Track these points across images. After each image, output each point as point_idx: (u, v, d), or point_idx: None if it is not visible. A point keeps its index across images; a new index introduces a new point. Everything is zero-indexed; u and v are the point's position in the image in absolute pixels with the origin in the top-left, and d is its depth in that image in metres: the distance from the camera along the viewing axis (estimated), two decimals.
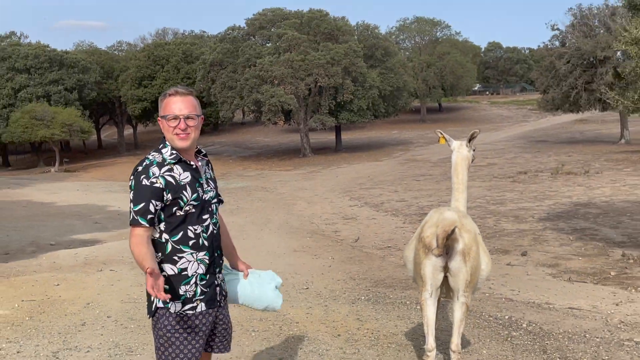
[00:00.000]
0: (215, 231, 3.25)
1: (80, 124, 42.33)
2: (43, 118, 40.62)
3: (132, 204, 3.03)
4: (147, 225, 3.01)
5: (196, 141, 3.21)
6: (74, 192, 25.00)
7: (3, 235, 13.39)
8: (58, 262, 9.88)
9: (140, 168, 3.08)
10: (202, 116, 3.25)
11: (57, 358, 5.21)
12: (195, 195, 3.12)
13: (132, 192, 3.06)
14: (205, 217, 3.18)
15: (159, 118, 3.19)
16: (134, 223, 3.01)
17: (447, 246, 4.11)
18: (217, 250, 3.26)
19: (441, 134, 5.21)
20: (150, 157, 3.12)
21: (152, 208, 3.01)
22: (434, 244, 4.12)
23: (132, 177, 3.09)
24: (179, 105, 3.13)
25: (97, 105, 52.69)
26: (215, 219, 3.28)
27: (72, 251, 11.10)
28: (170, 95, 3.17)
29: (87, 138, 49.16)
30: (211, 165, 3.42)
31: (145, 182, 3.02)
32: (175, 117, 3.11)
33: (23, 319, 6.34)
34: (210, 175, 3.34)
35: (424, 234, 4.26)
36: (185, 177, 3.12)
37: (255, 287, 3.45)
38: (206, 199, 3.20)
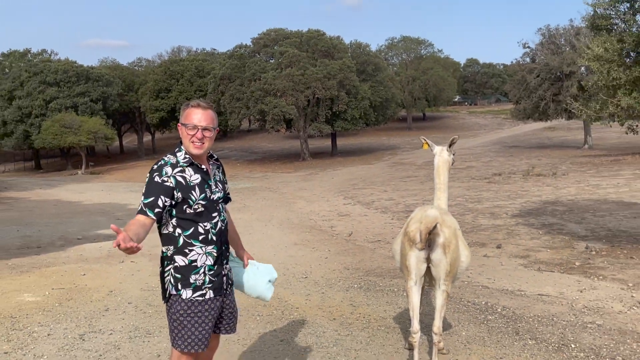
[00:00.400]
0: (223, 227, 3.25)
1: (104, 131, 42.27)
2: (71, 126, 40.56)
3: (142, 197, 3.01)
4: (153, 217, 2.97)
5: (209, 149, 3.22)
6: (99, 192, 24.95)
7: (35, 231, 13.37)
8: (84, 255, 9.87)
9: (155, 167, 3.09)
10: (218, 128, 3.26)
11: (83, 340, 5.21)
12: (203, 195, 3.12)
13: (145, 186, 3.05)
14: (214, 215, 3.18)
15: (179, 124, 3.18)
16: (141, 213, 2.97)
17: (429, 240, 4.12)
18: (224, 244, 3.27)
19: (424, 140, 5.22)
20: (166, 158, 3.14)
21: (160, 203, 2.99)
22: (418, 238, 4.13)
23: (148, 174, 3.09)
24: (199, 117, 3.13)
25: (119, 115, 52.59)
26: (223, 216, 3.28)
27: (96, 245, 11.09)
28: (192, 106, 3.16)
29: (111, 144, 49.10)
30: (222, 169, 3.42)
31: (157, 179, 3.02)
32: (194, 127, 3.11)
33: (53, 305, 6.33)
34: (220, 178, 3.34)
35: (409, 229, 4.27)
36: (196, 178, 3.12)
37: (250, 277, 3.48)
38: (214, 199, 3.20)
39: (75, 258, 9.53)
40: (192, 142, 3.11)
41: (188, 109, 3.16)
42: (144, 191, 3.04)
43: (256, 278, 3.46)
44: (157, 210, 2.98)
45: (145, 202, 2.99)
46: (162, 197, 3.00)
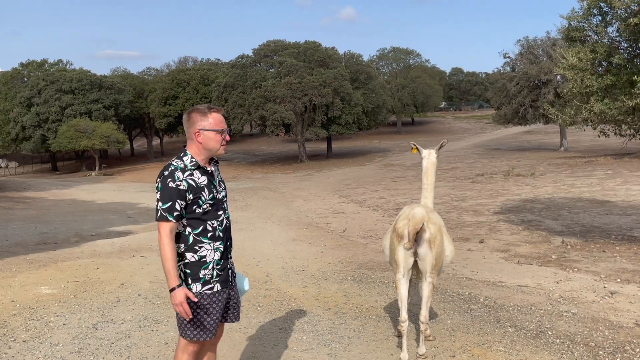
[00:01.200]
0: (227, 224, 3.24)
1: (116, 135, 42.23)
2: (85, 131, 40.51)
3: (160, 203, 2.99)
4: (174, 221, 2.98)
5: None
6: (111, 192, 24.88)
7: (52, 228, 13.32)
8: (97, 250, 9.83)
9: (166, 173, 3.03)
10: None
11: (96, 329, 5.19)
12: (211, 195, 3.10)
13: (159, 192, 3.01)
14: (219, 213, 3.16)
15: (200, 130, 3.07)
16: (162, 219, 2.97)
17: (416, 236, 4.12)
18: (229, 239, 3.25)
19: (414, 145, 5.21)
20: (175, 163, 3.09)
21: (177, 206, 2.98)
22: (406, 234, 4.13)
23: (159, 180, 3.04)
24: (224, 121, 3.14)
25: (130, 120, 52.50)
26: (228, 213, 3.26)
27: (109, 241, 11.05)
28: (216, 111, 3.11)
29: (122, 147, 49.01)
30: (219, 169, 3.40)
31: (171, 184, 3.00)
32: (223, 130, 3.11)
33: (68, 297, 6.31)
34: (221, 178, 3.33)
35: (397, 225, 4.27)
36: (203, 180, 3.10)
37: None
38: (219, 197, 3.19)
39: (89, 253, 9.49)
40: (223, 145, 3.13)
41: (214, 114, 3.09)
42: (159, 197, 3.00)
43: None
44: (175, 214, 2.98)
45: (164, 207, 2.97)
46: (178, 200, 2.98)
